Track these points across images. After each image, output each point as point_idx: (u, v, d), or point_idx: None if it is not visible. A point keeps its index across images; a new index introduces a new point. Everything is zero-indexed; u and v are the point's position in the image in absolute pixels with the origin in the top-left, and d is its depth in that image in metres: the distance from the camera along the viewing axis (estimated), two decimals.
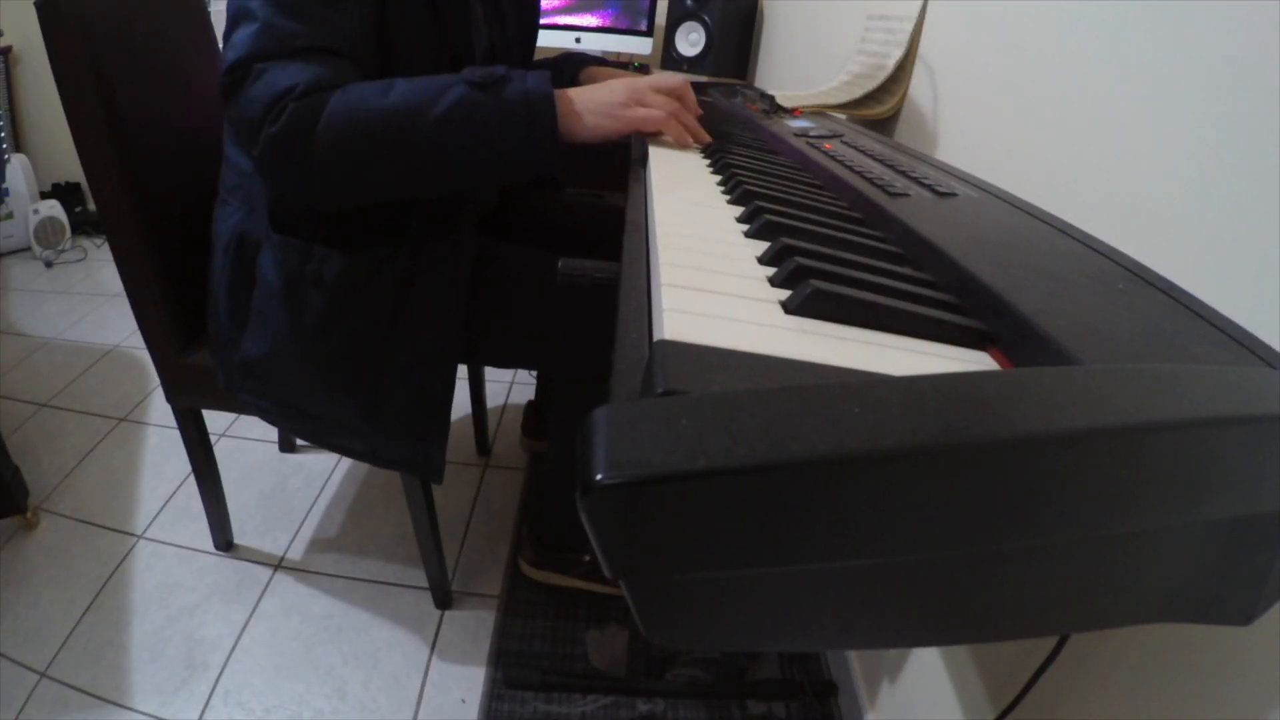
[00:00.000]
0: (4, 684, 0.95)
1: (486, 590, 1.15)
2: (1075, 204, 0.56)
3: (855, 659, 1.02)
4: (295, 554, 1.20)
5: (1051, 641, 0.47)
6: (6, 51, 2.33)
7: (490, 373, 1.63)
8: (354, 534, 1.25)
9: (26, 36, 2.32)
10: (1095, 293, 0.35)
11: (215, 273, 0.85)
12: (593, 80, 0.99)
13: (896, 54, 0.89)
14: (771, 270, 0.39)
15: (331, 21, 0.67)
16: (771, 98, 1.04)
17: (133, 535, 1.22)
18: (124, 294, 0.93)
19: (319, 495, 1.34)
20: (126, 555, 1.18)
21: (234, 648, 1.03)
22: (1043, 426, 0.21)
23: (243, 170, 0.81)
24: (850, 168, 0.61)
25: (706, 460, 0.19)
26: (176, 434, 1.06)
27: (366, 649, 1.04)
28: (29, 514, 1.20)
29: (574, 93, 0.70)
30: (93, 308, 2.03)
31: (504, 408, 1.64)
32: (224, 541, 1.19)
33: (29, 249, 2.34)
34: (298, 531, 1.25)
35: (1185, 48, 0.47)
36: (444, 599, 1.11)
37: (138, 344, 1.78)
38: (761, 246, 0.43)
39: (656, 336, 0.29)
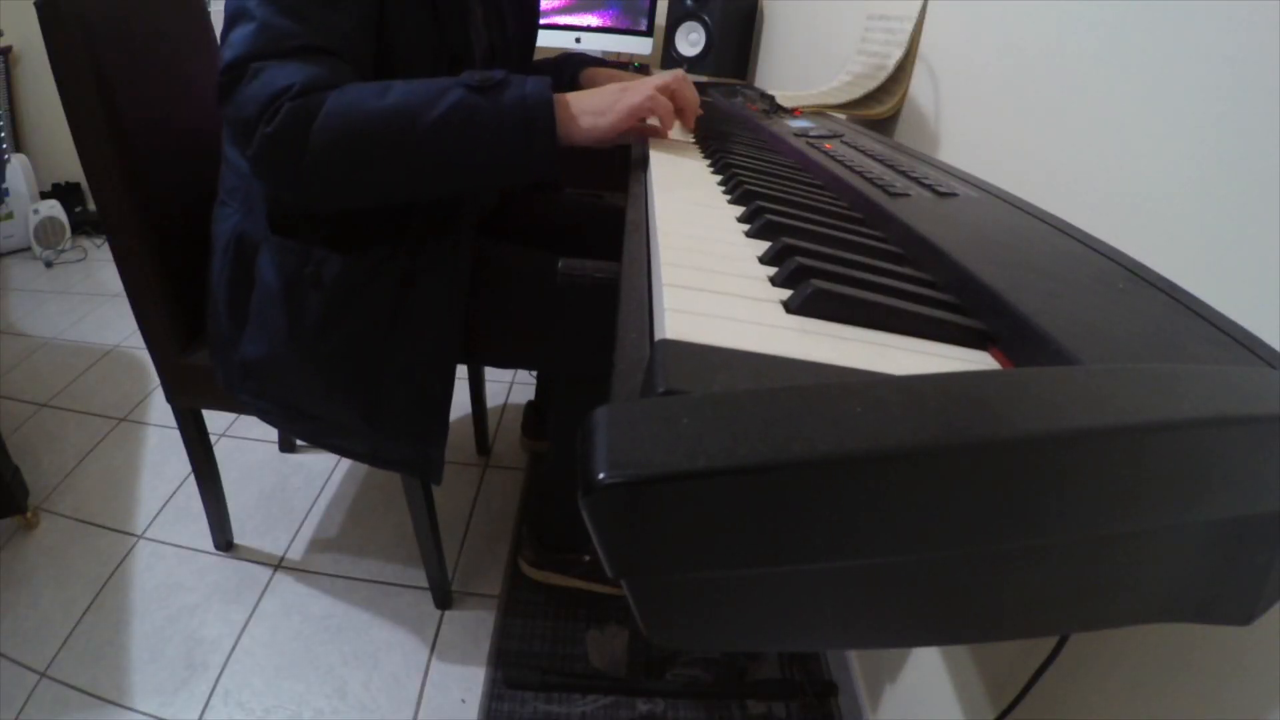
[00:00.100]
0: (4, 684, 0.95)
1: (486, 590, 1.15)
2: (1075, 204, 0.56)
3: (855, 659, 1.02)
4: (295, 554, 1.20)
5: (1051, 641, 0.47)
6: (6, 51, 2.33)
7: (490, 373, 1.63)
8: (354, 534, 1.25)
9: (26, 36, 2.32)
10: (1095, 293, 0.35)
11: (214, 274, 0.85)
12: (593, 81, 0.99)
13: (896, 54, 0.89)
14: (772, 270, 0.39)
15: (330, 22, 0.67)
16: (771, 98, 1.04)
17: (133, 535, 1.22)
18: (124, 294, 0.93)
19: (319, 495, 1.34)
20: (126, 555, 1.18)
21: (234, 648, 1.03)
22: (1043, 426, 0.21)
23: (242, 171, 0.81)
24: (850, 168, 0.61)
25: (707, 460, 0.19)
26: (176, 434, 1.06)
27: (366, 649, 1.04)
28: (29, 514, 1.20)
29: (571, 98, 0.70)
30: (93, 308, 2.03)
31: (504, 408, 1.64)
32: (224, 541, 1.19)
33: (29, 249, 2.34)
34: (298, 531, 1.25)
35: (1185, 48, 0.47)
36: (444, 599, 1.11)
37: (138, 344, 1.78)
38: (762, 246, 0.43)
39: (657, 336, 0.29)
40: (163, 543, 1.20)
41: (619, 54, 2.14)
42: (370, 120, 0.63)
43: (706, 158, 0.71)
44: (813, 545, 0.21)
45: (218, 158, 0.86)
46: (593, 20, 2.06)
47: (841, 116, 1.00)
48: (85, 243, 2.45)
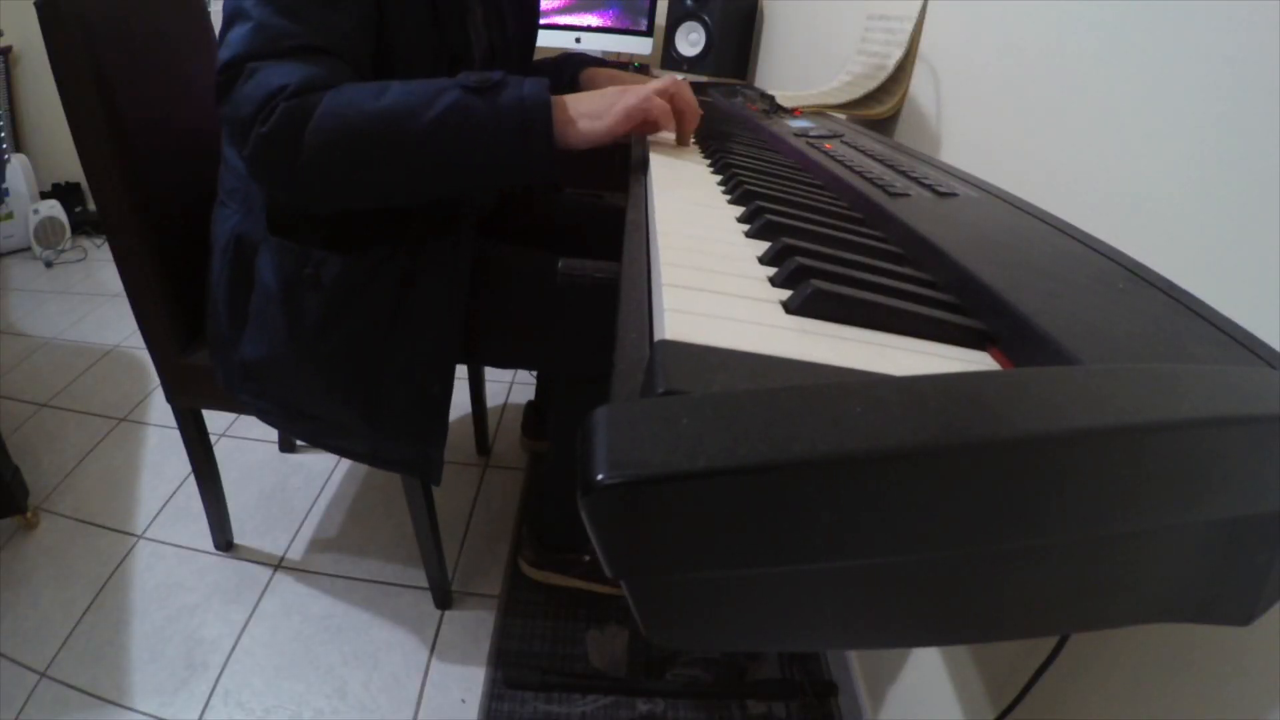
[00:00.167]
0: (4, 684, 0.95)
1: (486, 590, 1.15)
2: (1075, 204, 0.56)
3: (855, 659, 1.02)
4: (295, 554, 1.20)
5: (1051, 641, 0.47)
6: (6, 51, 2.33)
7: (490, 373, 1.63)
8: (354, 534, 1.25)
9: (26, 36, 2.32)
10: (1095, 293, 0.35)
11: (214, 274, 0.85)
12: (592, 81, 0.99)
13: (897, 54, 0.89)
14: (772, 270, 0.39)
15: (329, 21, 0.66)
16: (771, 98, 1.04)
17: (133, 535, 1.22)
18: (124, 294, 0.93)
19: (319, 495, 1.34)
20: (126, 555, 1.18)
21: (234, 648, 1.03)
22: (1043, 426, 0.21)
23: (241, 172, 0.81)
24: (850, 168, 0.61)
25: (707, 460, 0.19)
26: (176, 434, 1.06)
27: (366, 649, 1.04)
28: (29, 514, 1.20)
29: (569, 100, 0.69)
30: (93, 308, 2.03)
31: (504, 408, 1.64)
32: (224, 541, 1.19)
33: (29, 249, 2.34)
34: (298, 531, 1.25)
35: (1185, 48, 0.47)
36: (444, 599, 1.11)
37: (138, 344, 1.78)
38: (762, 246, 0.43)
39: (657, 336, 0.29)
40: (163, 543, 1.20)
41: (619, 54, 2.13)
42: (366, 120, 0.63)
43: (706, 158, 0.71)
44: (813, 545, 0.21)
45: (218, 158, 0.86)
46: (593, 20, 2.06)
47: (841, 116, 1.00)
48: (85, 243, 2.45)
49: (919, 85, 0.90)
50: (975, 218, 0.47)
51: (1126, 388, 0.23)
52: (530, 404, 1.50)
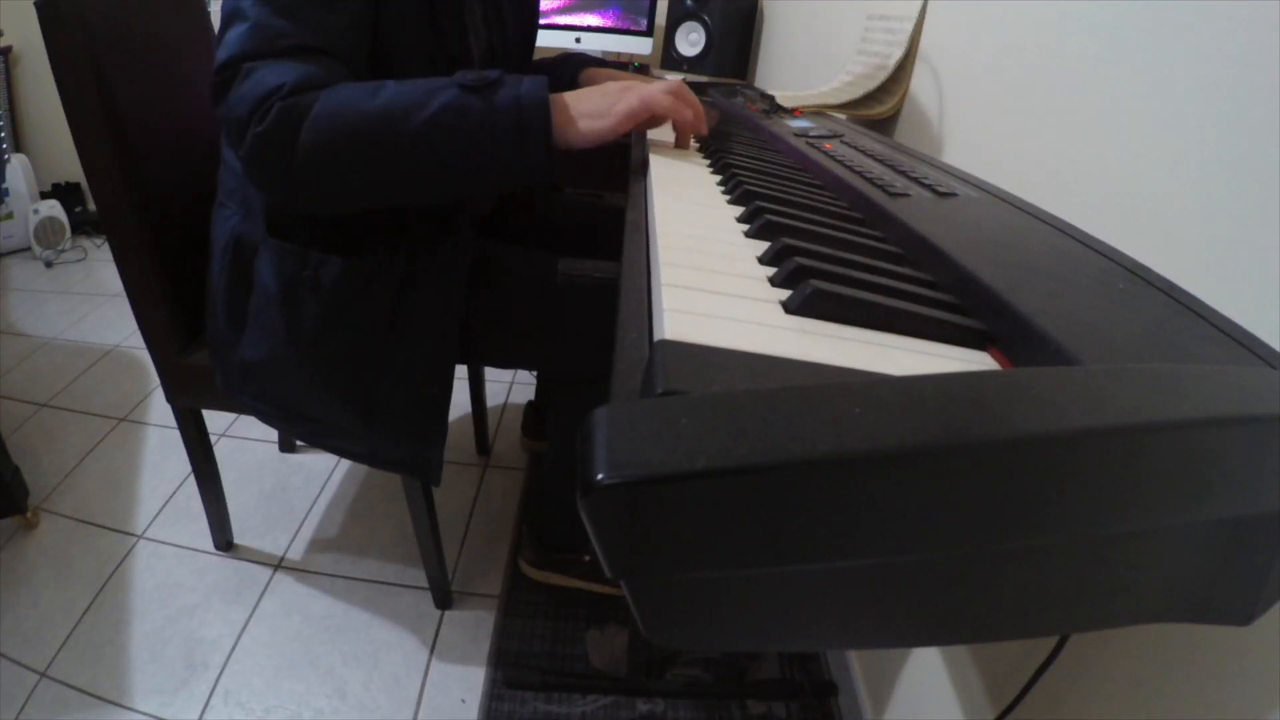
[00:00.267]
0: (4, 684, 0.95)
1: (486, 590, 1.15)
2: (1075, 204, 0.56)
3: (855, 659, 1.02)
4: (295, 554, 1.20)
5: (1051, 641, 0.47)
6: (6, 51, 2.33)
7: (490, 373, 1.63)
8: (354, 534, 1.25)
9: (26, 36, 2.32)
10: (1095, 293, 0.35)
11: (213, 276, 0.85)
12: (592, 81, 0.99)
13: (897, 54, 0.89)
14: (772, 270, 0.39)
15: (325, 22, 0.66)
16: (771, 98, 1.04)
17: (133, 535, 1.22)
18: (124, 294, 0.93)
19: (319, 495, 1.34)
20: (126, 555, 1.18)
21: (234, 648, 1.03)
22: (1043, 426, 0.21)
23: (239, 173, 0.80)
24: (850, 168, 0.61)
25: (707, 460, 0.19)
26: (176, 434, 1.06)
27: (366, 649, 1.04)
28: (29, 514, 1.20)
29: (569, 98, 0.68)
30: (93, 308, 2.03)
31: (504, 408, 1.64)
32: (224, 541, 1.19)
33: (29, 249, 2.34)
34: (298, 531, 1.25)
35: (1185, 48, 0.47)
36: (444, 599, 1.11)
37: (138, 344, 1.78)
38: (762, 246, 0.43)
39: (657, 336, 0.29)
40: (163, 543, 1.20)
41: (619, 54, 2.14)
42: (359, 121, 0.62)
43: (706, 158, 0.71)
44: (812, 546, 0.21)
45: (218, 158, 0.86)
46: (593, 20, 2.06)
47: (841, 116, 1.00)
48: (85, 243, 2.45)
49: (919, 85, 0.90)
50: (975, 218, 0.47)
51: (1126, 388, 0.23)
52: (530, 404, 1.50)
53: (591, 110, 0.67)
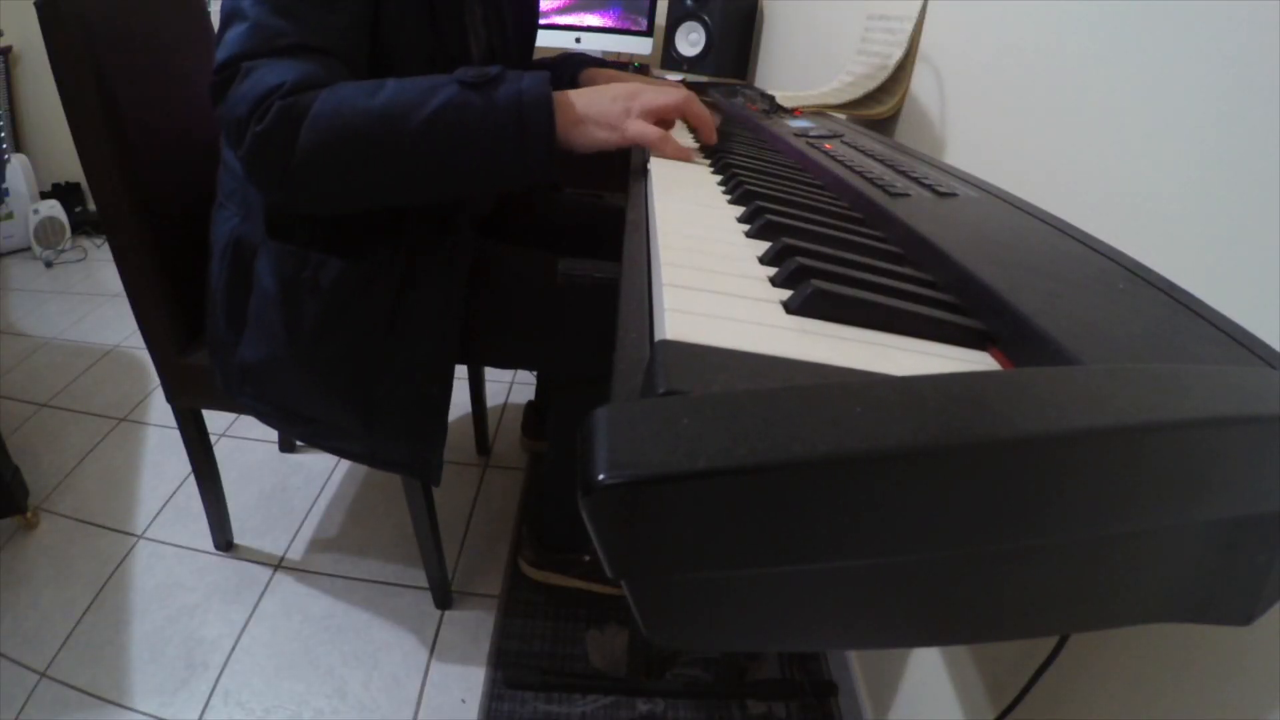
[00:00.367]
0: (4, 684, 0.95)
1: (486, 590, 1.15)
2: (1075, 204, 0.56)
3: (855, 659, 1.02)
4: (295, 554, 1.20)
5: (1051, 641, 0.47)
6: (6, 51, 2.33)
7: (490, 373, 1.63)
8: (354, 534, 1.25)
9: (26, 36, 2.32)
10: (1095, 293, 0.35)
11: (213, 277, 0.85)
12: (592, 82, 0.99)
13: (897, 54, 0.89)
14: (772, 270, 0.39)
15: (325, 22, 0.65)
16: (771, 98, 1.04)
17: (133, 535, 1.22)
18: (124, 294, 0.93)
19: (319, 495, 1.34)
20: (126, 555, 1.18)
21: (234, 648, 1.03)
22: (1043, 426, 0.21)
23: (239, 174, 0.80)
24: (850, 168, 0.61)
25: (707, 460, 0.19)
26: (176, 434, 1.06)
27: (366, 649, 1.04)
28: (29, 514, 1.20)
29: (575, 96, 0.67)
30: (93, 308, 2.03)
31: (504, 408, 1.64)
32: (224, 541, 1.19)
33: (29, 249, 2.34)
34: (298, 531, 1.25)
35: (1185, 48, 0.47)
36: (444, 599, 1.11)
37: (138, 344, 1.78)
38: (762, 246, 0.43)
39: (657, 336, 0.29)
40: (163, 543, 1.21)
41: (619, 54, 2.13)
42: (359, 120, 0.61)
43: (706, 158, 0.71)
44: (813, 545, 0.21)
45: (217, 157, 0.86)
46: (593, 20, 2.06)
47: (841, 116, 1.00)
48: (85, 243, 2.45)
49: (919, 85, 0.90)
50: (975, 218, 0.47)
51: (1126, 388, 0.23)
52: (530, 404, 1.50)
53: (601, 118, 0.66)
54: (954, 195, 0.52)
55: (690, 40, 1.93)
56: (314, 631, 1.06)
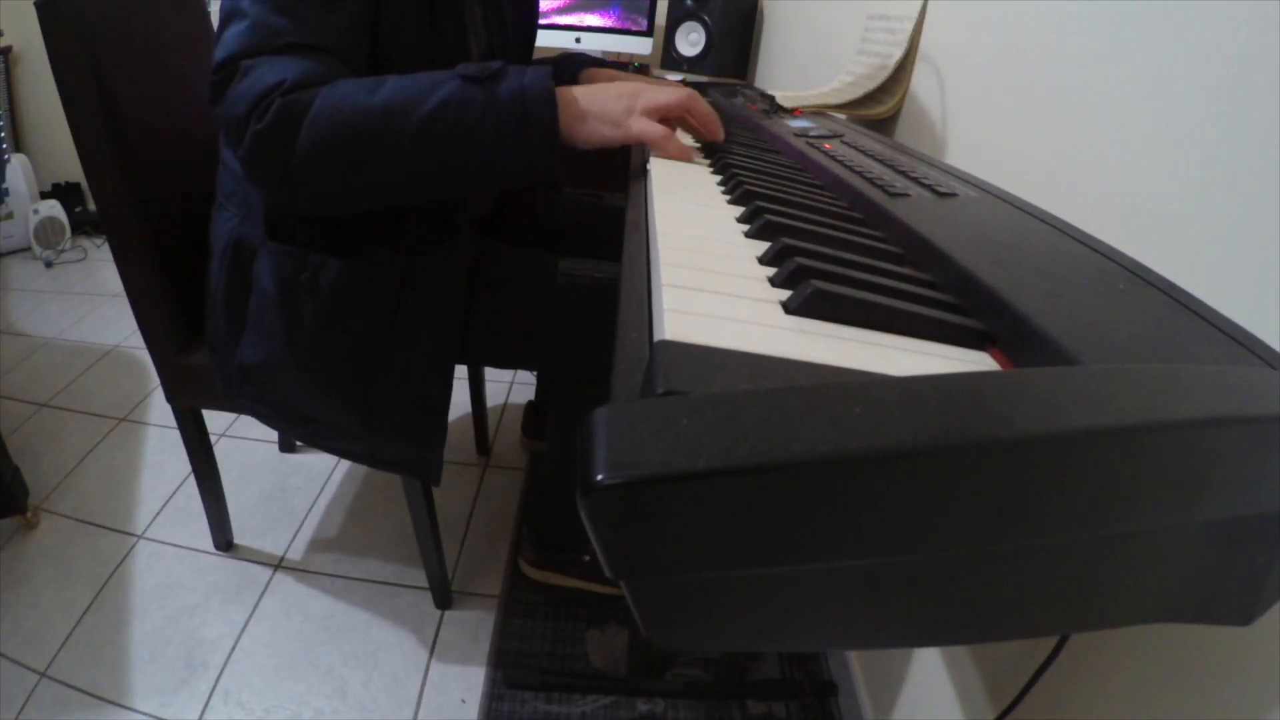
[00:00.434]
0: (4, 684, 0.95)
1: (486, 590, 1.15)
2: (1075, 204, 0.56)
3: (855, 659, 1.02)
4: (295, 554, 1.20)
5: (1051, 641, 0.47)
6: (6, 51, 2.33)
7: (490, 373, 1.63)
8: (354, 534, 1.25)
9: (26, 36, 2.32)
10: (1095, 293, 0.35)
11: (212, 278, 0.85)
12: (592, 82, 0.99)
13: (897, 54, 0.89)
14: (772, 270, 0.39)
15: (325, 21, 0.65)
16: (771, 98, 1.04)
17: (133, 535, 1.22)
18: (124, 294, 0.93)
19: (319, 495, 1.34)
20: (126, 555, 1.18)
21: (234, 648, 1.03)
22: (1043, 426, 0.21)
23: (239, 174, 0.80)
24: (850, 168, 0.61)
25: (707, 460, 0.19)
26: (176, 434, 1.06)
27: (366, 649, 1.04)
28: (29, 514, 1.20)
29: (578, 92, 0.66)
30: (93, 308, 2.03)
31: (504, 408, 1.64)
32: (224, 541, 1.19)
33: (29, 249, 2.34)
34: (298, 531, 1.25)
35: (1185, 48, 0.47)
36: (444, 599, 1.11)
37: (138, 344, 1.78)
38: (762, 247, 0.43)
39: (657, 337, 0.29)
40: (163, 543, 1.21)
41: (619, 54, 2.14)
42: (359, 117, 0.61)
43: (706, 158, 0.71)
44: (812, 545, 0.21)
45: (217, 157, 0.86)
46: (593, 20, 2.06)
47: (841, 116, 1.00)
48: (85, 243, 2.45)
49: (919, 85, 0.90)
50: (975, 218, 0.47)
51: (1126, 388, 0.23)
52: (530, 404, 1.50)
53: (604, 115, 0.65)
54: (954, 195, 0.52)
55: (690, 40, 1.93)
56: (314, 631, 1.06)
